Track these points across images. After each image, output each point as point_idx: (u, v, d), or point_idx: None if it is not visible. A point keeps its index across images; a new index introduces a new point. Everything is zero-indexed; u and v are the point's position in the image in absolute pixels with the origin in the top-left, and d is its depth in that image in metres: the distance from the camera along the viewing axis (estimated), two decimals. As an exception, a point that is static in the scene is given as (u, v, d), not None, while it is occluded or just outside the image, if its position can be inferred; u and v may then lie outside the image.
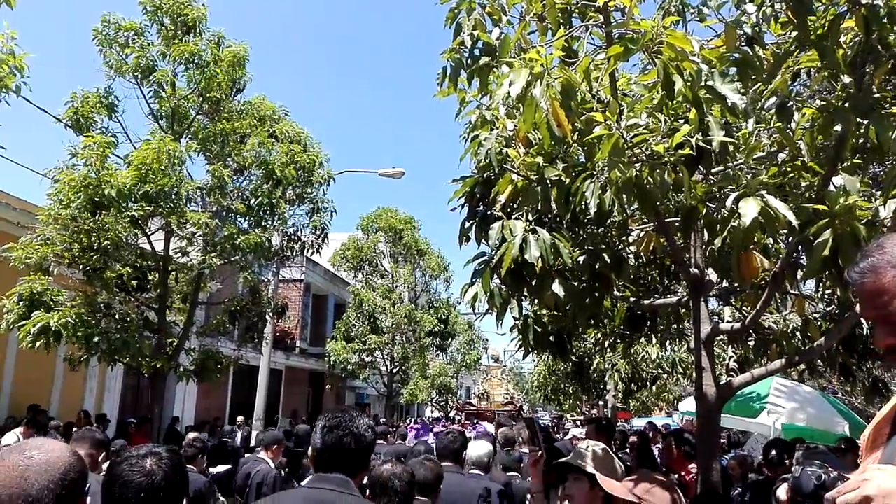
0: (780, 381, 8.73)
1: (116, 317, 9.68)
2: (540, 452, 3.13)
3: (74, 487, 1.70)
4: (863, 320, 4.28)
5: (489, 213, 3.98)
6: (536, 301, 4.38)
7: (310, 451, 2.38)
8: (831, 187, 3.36)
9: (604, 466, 2.55)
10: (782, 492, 2.15)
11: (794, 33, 3.39)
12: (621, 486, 2.44)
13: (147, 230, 10.03)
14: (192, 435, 7.81)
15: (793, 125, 3.50)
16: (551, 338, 5.12)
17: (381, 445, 9.04)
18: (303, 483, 2.43)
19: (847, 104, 3.24)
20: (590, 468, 2.53)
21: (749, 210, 2.79)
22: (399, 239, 26.98)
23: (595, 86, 3.43)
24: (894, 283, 1.37)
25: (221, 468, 7.51)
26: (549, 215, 3.89)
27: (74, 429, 11.99)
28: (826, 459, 2.44)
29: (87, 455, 3.71)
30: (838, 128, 3.29)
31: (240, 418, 17.46)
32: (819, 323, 5.19)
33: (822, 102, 3.56)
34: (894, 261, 1.39)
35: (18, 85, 6.90)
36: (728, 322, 5.35)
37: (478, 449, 5.35)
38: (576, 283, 3.90)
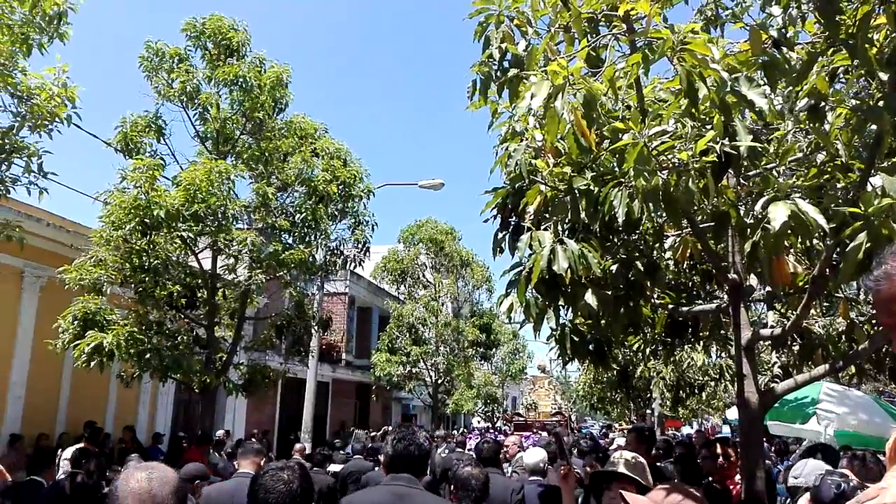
0: (831, 386, 8.46)
1: (167, 334, 9.97)
2: (568, 466, 3.15)
3: (185, 499, 2.12)
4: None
5: (521, 224, 4.00)
6: (572, 310, 4.37)
7: (382, 458, 3.02)
8: (869, 188, 3.29)
9: (634, 470, 2.55)
10: (803, 501, 2.12)
11: (826, 33, 3.34)
12: (647, 501, 2.42)
13: (195, 249, 10.31)
14: (298, 446, 10.46)
15: (826, 126, 3.44)
16: (590, 346, 5.08)
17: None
18: (381, 482, 3.02)
19: (881, 103, 3.18)
20: (622, 471, 2.54)
21: (778, 215, 2.75)
22: (440, 250, 26.99)
23: (622, 93, 3.44)
24: None
25: (338, 467, 8.38)
26: (581, 224, 3.90)
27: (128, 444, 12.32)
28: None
29: (253, 463, 4.46)
30: (874, 127, 3.23)
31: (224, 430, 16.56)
32: (864, 327, 5.05)
33: (857, 102, 3.49)
34: None
35: (69, 115, 7.20)
36: (770, 327, 5.24)
37: (533, 456, 5.45)
38: (610, 292, 3.88)
